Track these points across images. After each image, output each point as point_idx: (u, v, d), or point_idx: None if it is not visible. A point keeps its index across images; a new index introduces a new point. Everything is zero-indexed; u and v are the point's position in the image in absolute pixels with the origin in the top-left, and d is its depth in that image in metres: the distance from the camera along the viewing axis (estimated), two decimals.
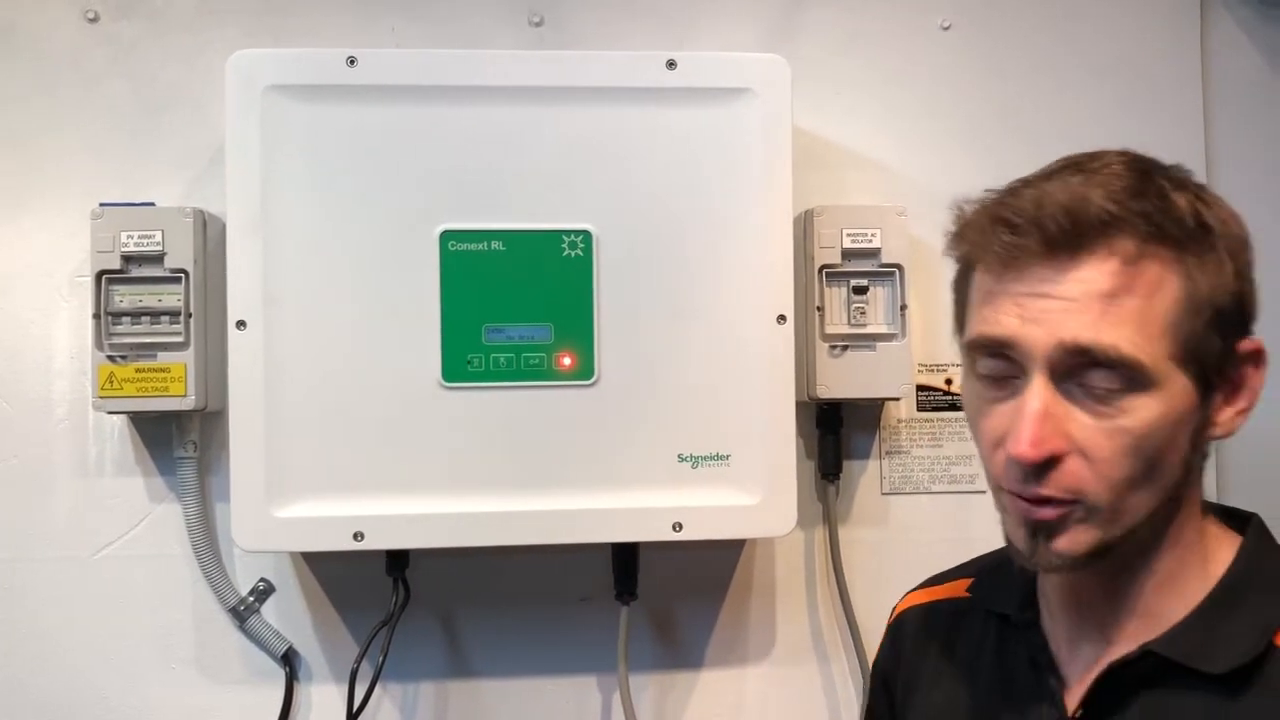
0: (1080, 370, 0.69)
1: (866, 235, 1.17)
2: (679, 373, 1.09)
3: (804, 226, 1.19)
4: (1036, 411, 0.69)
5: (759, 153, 1.09)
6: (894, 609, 0.97)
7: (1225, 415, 0.73)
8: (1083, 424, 0.69)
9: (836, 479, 1.24)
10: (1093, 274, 0.68)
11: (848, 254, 1.17)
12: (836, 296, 1.18)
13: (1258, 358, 0.73)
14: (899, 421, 1.27)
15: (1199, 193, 0.72)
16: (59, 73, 1.21)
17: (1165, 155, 1.31)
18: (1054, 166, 0.74)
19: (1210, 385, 0.71)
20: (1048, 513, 0.71)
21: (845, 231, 1.17)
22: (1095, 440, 0.69)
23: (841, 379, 1.18)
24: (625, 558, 1.17)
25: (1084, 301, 0.68)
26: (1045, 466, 0.69)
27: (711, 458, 1.09)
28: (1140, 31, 1.32)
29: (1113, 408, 0.69)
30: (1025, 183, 0.73)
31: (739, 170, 1.09)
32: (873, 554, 1.27)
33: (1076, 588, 0.79)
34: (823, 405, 1.22)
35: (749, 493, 1.10)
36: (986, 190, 0.74)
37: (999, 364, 0.72)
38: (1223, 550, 0.76)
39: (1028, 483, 0.70)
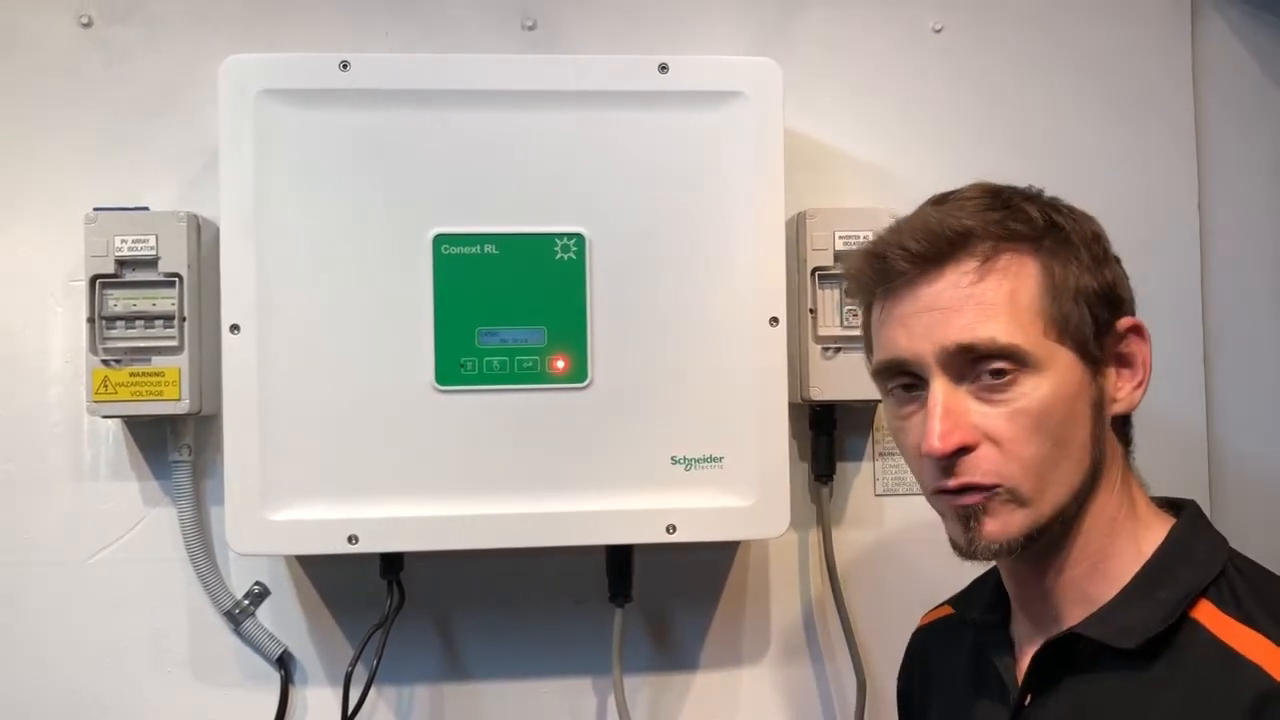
0: (972, 367, 0.75)
1: (859, 237, 1.17)
2: (672, 375, 1.10)
3: (796, 229, 1.19)
4: (939, 409, 0.75)
5: (751, 155, 1.10)
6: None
7: (1124, 391, 0.79)
8: (985, 414, 0.75)
9: (830, 481, 1.25)
10: (957, 278, 0.76)
11: (840, 256, 1.18)
12: (829, 299, 1.19)
13: (1139, 331, 0.79)
14: None
15: (1049, 201, 0.80)
16: (53, 77, 1.21)
17: (1158, 157, 1.33)
18: (919, 207, 0.82)
19: (1096, 360, 0.77)
20: (972, 497, 0.76)
21: (838, 233, 1.17)
22: (999, 426, 0.75)
23: (834, 381, 1.18)
24: (619, 560, 1.17)
25: (956, 306, 0.75)
26: (958, 457, 0.75)
27: (705, 460, 1.10)
28: (1132, 33, 1.32)
29: (1008, 393, 0.75)
30: (892, 225, 0.81)
31: (731, 173, 1.10)
32: (866, 555, 1.27)
33: (1021, 581, 0.83)
34: (816, 407, 1.23)
35: (742, 495, 1.10)
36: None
37: (904, 382, 0.79)
38: (1154, 533, 0.80)
39: (947, 476, 0.76)
